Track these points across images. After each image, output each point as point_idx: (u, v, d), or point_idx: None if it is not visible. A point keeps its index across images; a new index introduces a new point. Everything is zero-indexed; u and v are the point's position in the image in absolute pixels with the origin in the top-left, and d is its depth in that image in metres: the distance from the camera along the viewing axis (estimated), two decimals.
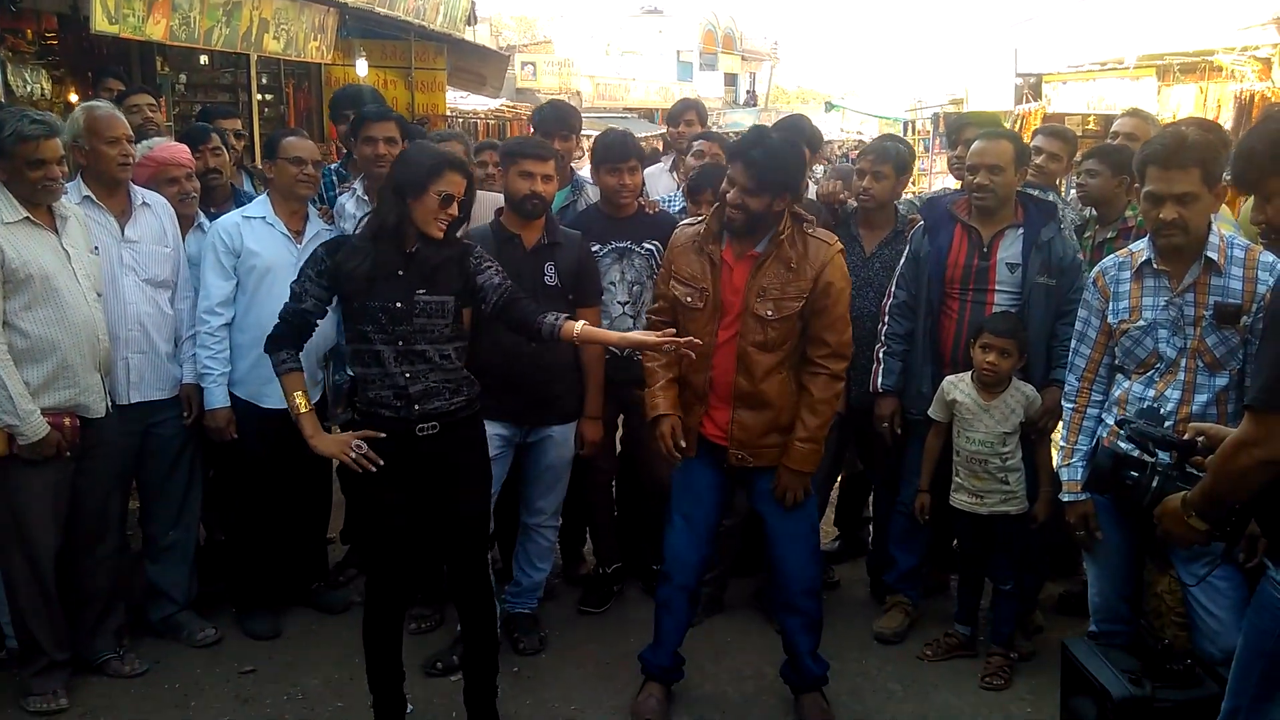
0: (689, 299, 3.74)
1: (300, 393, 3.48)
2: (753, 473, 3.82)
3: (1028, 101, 13.87)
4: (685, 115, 6.00)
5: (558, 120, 5.12)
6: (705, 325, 3.68)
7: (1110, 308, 3.49)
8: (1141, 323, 3.40)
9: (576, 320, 3.49)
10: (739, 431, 3.73)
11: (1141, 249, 3.45)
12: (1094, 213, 4.76)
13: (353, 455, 3.42)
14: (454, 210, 3.41)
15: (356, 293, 3.40)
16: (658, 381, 3.82)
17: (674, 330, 3.51)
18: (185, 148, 4.67)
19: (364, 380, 3.49)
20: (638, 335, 3.48)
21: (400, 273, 3.42)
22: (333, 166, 5.12)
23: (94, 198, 4.14)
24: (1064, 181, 5.64)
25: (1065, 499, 3.64)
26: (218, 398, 4.29)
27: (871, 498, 5.43)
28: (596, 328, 3.60)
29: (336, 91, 5.83)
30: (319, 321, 3.54)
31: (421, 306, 3.43)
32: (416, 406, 3.45)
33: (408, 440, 3.47)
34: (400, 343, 3.42)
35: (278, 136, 4.53)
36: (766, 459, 3.76)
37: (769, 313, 3.64)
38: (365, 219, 3.55)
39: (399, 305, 3.40)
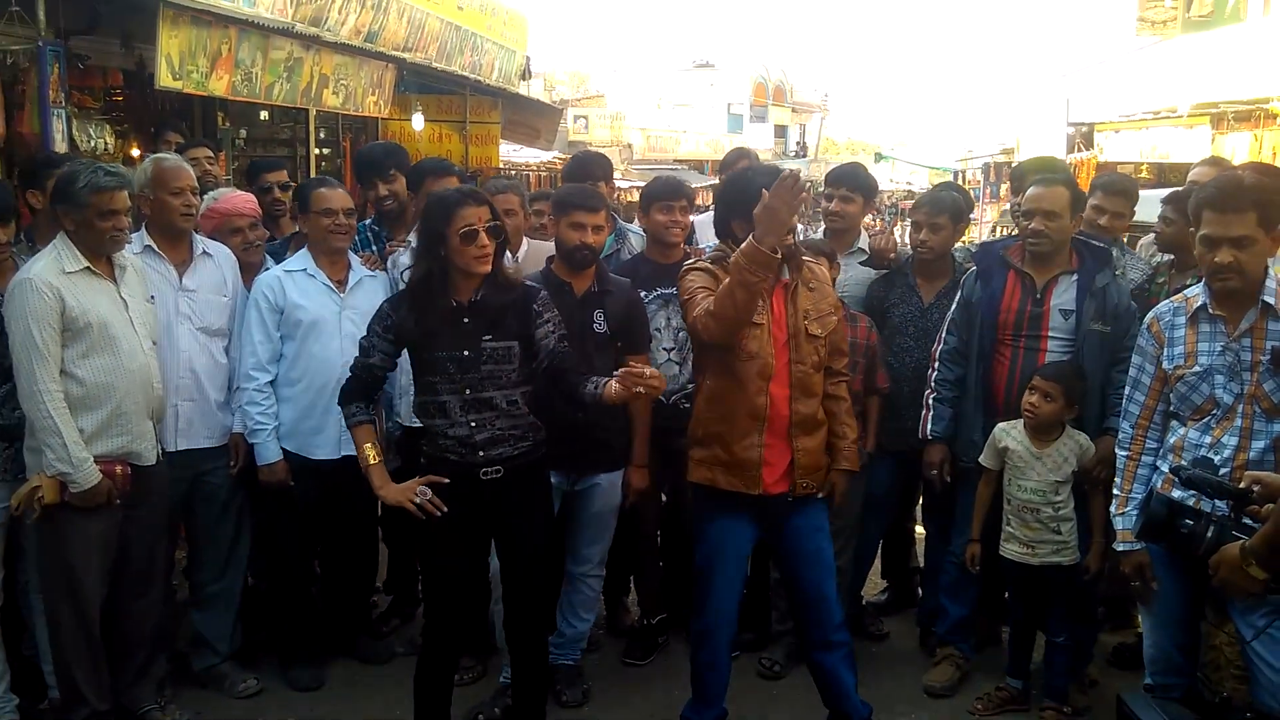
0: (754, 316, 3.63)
1: (370, 444, 3.58)
2: (783, 515, 3.78)
3: (1080, 151, 13.78)
4: (738, 164, 6.01)
5: (581, 172, 5.16)
6: (765, 345, 3.65)
7: (1165, 353, 3.42)
8: (1197, 368, 3.33)
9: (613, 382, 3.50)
10: (804, 458, 3.73)
11: (1197, 294, 3.39)
12: (1165, 259, 4.69)
13: (417, 501, 3.46)
14: (484, 241, 3.42)
15: (422, 345, 3.48)
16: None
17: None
18: (250, 198, 4.77)
19: (429, 430, 3.55)
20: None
21: (466, 320, 3.47)
22: (366, 223, 5.13)
23: (155, 247, 4.23)
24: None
25: (1120, 548, 3.55)
26: (272, 452, 4.32)
27: (918, 548, 5.36)
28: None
29: (360, 155, 5.68)
30: (387, 375, 3.66)
31: (489, 353, 3.47)
32: (481, 453, 3.49)
33: (472, 484, 3.50)
34: (468, 391, 3.47)
35: (308, 189, 4.55)
36: (819, 480, 3.80)
37: (819, 331, 3.72)
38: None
39: (466, 353, 3.45)
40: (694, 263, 3.85)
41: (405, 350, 3.62)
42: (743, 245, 3.39)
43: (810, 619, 3.88)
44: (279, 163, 6.26)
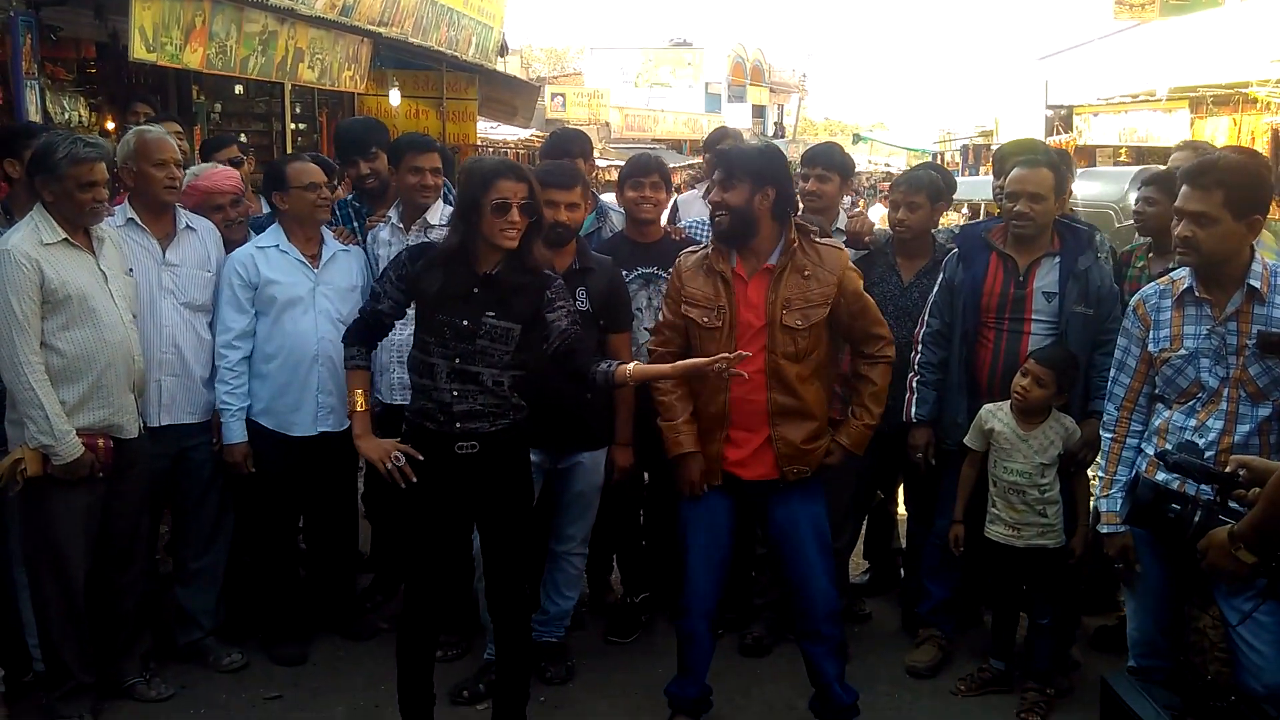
0: (705, 320, 3.70)
1: (360, 390, 3.62)
2: (769, 502, 3.80)
3: (1058, 133, 13.84)
4: (722, 142, 5.98)
5: (564, 143, 5.14)
6: (723, 345, 3.64)
7: (1151, 336, 3.43)
8: (1183, 352, 3.34)
9: (627, 364, 3.55)
10: (784, 448, 3.70)
11: (1183, 276, 3.40)
12: (1141, 241, 4.70)
13: (389, 465, 3.47)
14: (514, 217, 3.40)
15: (428, 304, 3.49)
16: (678, 416, 3.79)
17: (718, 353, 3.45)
18: (233, 173, 4.71)
19: (416, 388, 3.55)
20: (688, 362, 3.44)
21: (475, 290, 3.45)
22: (347, 199, 5.08)
23: (138, 220, 4.17)
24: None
25: (1104, 530, 3.57)
26: (235, 432, 4.29)
27: (900, 529, 5.38)
28: (642, 365, 3.61)
29: (339, 131, 5.60)
30: (395, 323, 3.68)
31: (487, 329, 3.45)
32: (458, 424, 3.47)
33: (447, 458, 3.48)
34: (457, 360, 3.45)
35: (281, 165, 4.50)
36: (814, 462, 3.75)
37: (798, 323, 3.65)
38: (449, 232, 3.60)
39: (465, 324, 3.43)
40: (684, 253, 3.86)
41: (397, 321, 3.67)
42: (669, 438, 3.79)
43: (797, 609, 3.91)
44: (229, 139, 6.19)
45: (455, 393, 3.46)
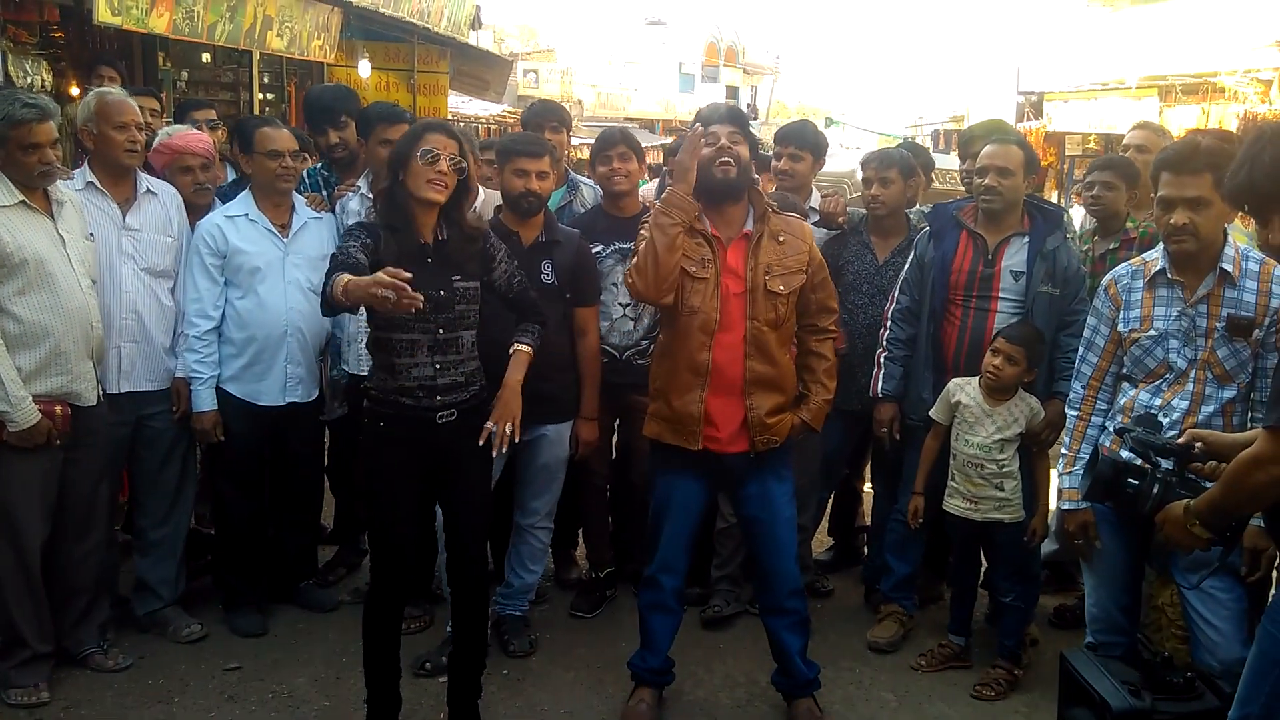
0: (694, 268, 3.62)
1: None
2: (737, 478, 3.80)
3: (1029, 120, 13.90)
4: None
5: (546, 112, 5.13)
6: (709, 300, 3.63)
7: (1121, 316, 3.45)
8: (1153, 332, 3.37)
9: (524, 346, 3.64)
10: (754, 418, 3.68)
11: (1155, 258, 3.42)
12: (1091, 224, 4.74)
13: (381, 293, 2.98)
14: (443, 167, 3.34)
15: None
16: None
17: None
18: (205, 137, 4.63)
19: (388, 368, 3.41)
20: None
21: (429, 260, 3.40)
22: (316, 167, 5.01)
23: (97, 183, 4.10)
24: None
25: (1065, 507, 3.60)
26: (205, 400, 4.25)
27: (865, 506, 5.40)
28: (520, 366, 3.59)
29: (309, 98, 5.48)
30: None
31: (462, 293, 3.43)
32: (439, 397, 3.44)
33: (426, 427, 3.44)
34: (440, 331, 3.41)
35: (250, 127, 4.41)
36: (782, 433, 3.74)
37: (781, 288, 3.66)
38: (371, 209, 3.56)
39: (442, 293, 3.38)
40: (646, 217, 3.83)
41: None
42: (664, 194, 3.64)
43: (762, 585, 3.95)
44: (206, 103, 6.09)
45: (438, 365, 3.41)
